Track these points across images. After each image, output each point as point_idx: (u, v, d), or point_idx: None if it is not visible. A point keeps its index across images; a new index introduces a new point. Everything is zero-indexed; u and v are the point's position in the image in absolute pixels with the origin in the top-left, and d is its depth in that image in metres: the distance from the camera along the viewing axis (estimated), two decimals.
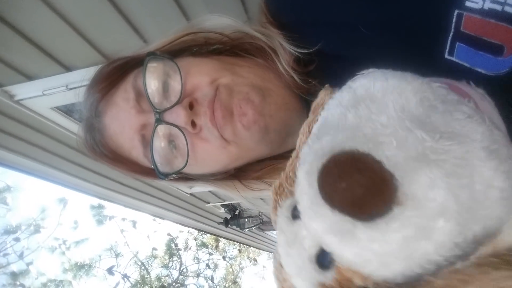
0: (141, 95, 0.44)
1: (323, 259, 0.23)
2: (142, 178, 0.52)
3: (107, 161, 0.50)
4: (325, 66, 0.45)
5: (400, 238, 0.18)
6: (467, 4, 0.31)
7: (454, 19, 0.32)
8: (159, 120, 0.42)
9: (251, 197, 0.54)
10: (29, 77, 1.56)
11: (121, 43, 1.41)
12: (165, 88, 0.43)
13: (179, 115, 0.41)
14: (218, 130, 0.42)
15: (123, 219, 10.89)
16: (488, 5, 0.30)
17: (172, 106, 0.42)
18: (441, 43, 0.33)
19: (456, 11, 0.31)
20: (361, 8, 0.38)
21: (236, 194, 0.54)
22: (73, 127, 1.92)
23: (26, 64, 1.49)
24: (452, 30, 0.32)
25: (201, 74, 0.43)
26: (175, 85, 0.42)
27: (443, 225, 0.18)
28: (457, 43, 0.32)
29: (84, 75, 1.60)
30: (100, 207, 10.77)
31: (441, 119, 0.20)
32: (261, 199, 0.57)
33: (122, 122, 0.46)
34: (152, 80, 0.43)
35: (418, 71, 0.35)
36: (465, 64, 0.32)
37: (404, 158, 0.19)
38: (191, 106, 0.42)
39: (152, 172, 0.46)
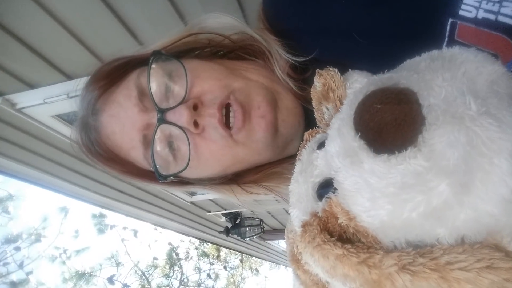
0: (143, 93, 0.43)
1: (323, 192, 0.24)
2: (137, 180, 0.50)
3: (102, 161, 0.48)
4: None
5: (399, 181, 0.19)
6: (461, 13, 0.31)
7: (448, 28, 0.32)
8: (162, 120, 0.41)
9: (248, 200, 0.53)
10: (30, 86, 1.57)
11: (122, 52, 1.43)
12: (168, 88, 0.42)
13: (182, 115, 0.41)
14: (226, 130, 0.41)
15: (124, 228, 10.87)
16: (481, 14, 0.30)
17: (175, 106, 0.41)
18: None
19: (450, 20, 0.31)
20: (355, 17, 0.38)
21: (233, 198, 0.53)
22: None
23: (28, 73, 1.51)
24: (446, 39, 0.32)
25: (211, 79, 0.43)
26: (180, 86, 0.42)
27: (444, 189, 0.18)
28: None
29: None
30: (101, 216, 10.75)
31: (496, 102, 0.21)
32: (255, 200, 0.57)
33: (122, 120, 0.44)
34: (156, 79, 0.42)
35: None
36: None
37: (443, 110, 0.19)
38: (195, 108, 0.41)
39: (148, 175, 0.45)
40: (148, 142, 0.43)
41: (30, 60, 1.40)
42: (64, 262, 10.17)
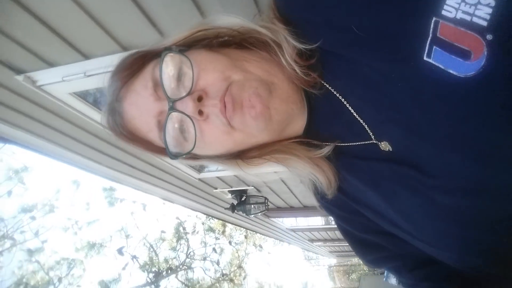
0: (157, 84, 0.49)
1: None
2: (157, 156, 0.58)
3: (126, 141, 0.56)
4: (325, 61, 0.50)
5: None
6: (443, 12, 0.36)
7: (431, 26, 0.37)
8: (172, 108, 0.48)
9: (252, 173, 0.61)
10: (50, 64, 1.65)
11: (136, 34, 1.48)
12: (179, 79, 0.49)
13: (188, 106, 0.47)
14: (226, 118, 0.48)
15: (134, 201, 11.13)
16: (459, 15, 0.35)
17: (182, 97, 0.48)
18: (421, 47, 0.38)
19: (434, 19, 0.36)
20: (353, 13, 0.43)
21: (238, 170, 0.60)
22: (88, 112, 2.02)
23: (48, 52, 1.58)
24: (430, 35, 0.37)
25: (214, 71, 0.48)
26: (188, 78, 0.48)
27: None
28: (434, 47, 0.37)
29: (101, 64, 1.67)
30: (111, 189, 11.01)
31: None
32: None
33: (140, 107, 0.51)
34: (167, 72, 0.49)
35: (402, 69, 0.41)
36: (440, 65, 0.37)
37: None
38: (200, 98, 0.48)
39: (164, 151, 0.53)
40: (161, 126, 0.50)
41: (50, 39, 1.47)
42: (76, 233, 10.57)
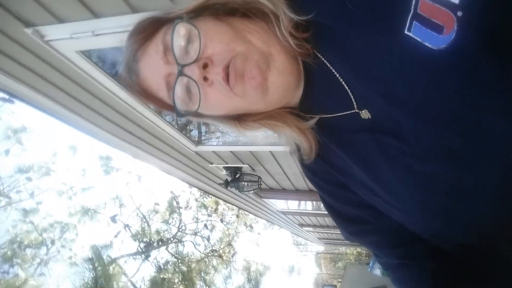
0: (168, 49, 0.54)
1: None
2: (167, 111, 0.65)
3: (140, 97, 0.63)
4: (319, 34, 0.54)
5: None
6: None
7: (413, 2, 0.41)
8: (180, 73, 0.52)
9: (248, 134, 0.67)
10: (59, 20, 1.67)
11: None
12: (187, 47, 0.53)
13: (194, 72, 0.52)
14: (229, 86, 0.53)
15: (129, 172, 11.23)
16: None
17: (189, 64, 0.52)
18: (403, 22, 0.42)
19: None
20: None
21: (236, 131, 0.66)
22: (93, 72, 2.05)
23: (59, 7, 1.60)
24: (412, 11, 0.42)
25: (220, 42, 0.52)
26: (196, 46, 0.53)
27: None
28: (414, 21, 0.42)
29: (109, 24, 1.68)
30: (108, 158, 11.10)
31: None
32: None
33: (152, 69, 0.57)
34: (177, 40, 0.53)
35: (385, 42, 0.47)
36: (418, 39, 0.42)
37: None
38: (205, 66, 0.52)
39: (172, 108, 0.59)
40: (170, 87, 0.55)
41: None
42: (70, 198, 10.72)
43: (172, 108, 0.58)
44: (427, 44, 0.41)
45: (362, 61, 0.50)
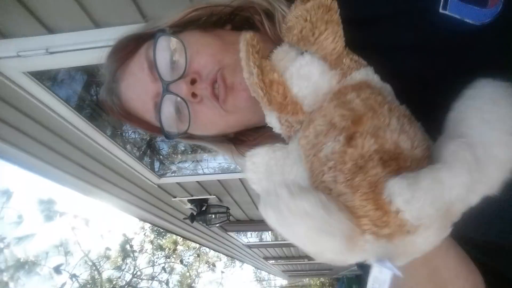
0: (153, 65, 0.49)
1: None
2: (154, 134, 0.60)
3: (123, 120, 0.57)
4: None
5: None
6: None
7: None
8: (166, 91, 0.48)
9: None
10: (2, 35, 1.46)
11: (114, 10, 1.38)
12: (172, 62, 0.49)
13: (181, 89, 0.48)
14: (219, 103, 0.49)
15: (75, 216, 10.38)
16: None
17: (175, 80, 0.48)
18: (436, 0, 0.39)
19: None
20: None
21: (230, 157, 0.61)
22: (43, 97, 1.81)
23: (3, 19, 1.40)
24: None
25: (207, 55, 0.49)
26: (181, 61, 0.48)
27: None
28: None
29: (67, 40, 1.51)
30: (50, 201, 10.19)
31: None
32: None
33: (137, 89, 0.53)
34: (161, 54, 0.48)
35: (418, 23, 0.42)
36: (456, 16, 0.38)
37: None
38: (193, 81, 0.48)
39: (160, 131, 0.54)
40: (158, 108, 0.50)
41: (7, 4, 1.30)
42: (1, 250, 9.46)
43: (160, 131, 0.52)
44: (467, 20, 0.37)
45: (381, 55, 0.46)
